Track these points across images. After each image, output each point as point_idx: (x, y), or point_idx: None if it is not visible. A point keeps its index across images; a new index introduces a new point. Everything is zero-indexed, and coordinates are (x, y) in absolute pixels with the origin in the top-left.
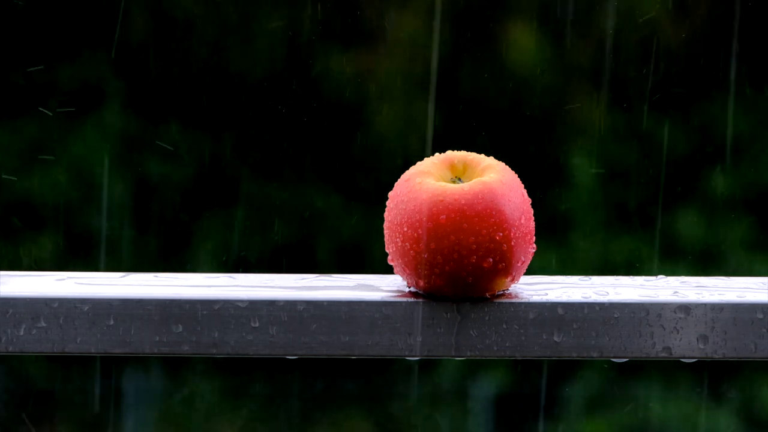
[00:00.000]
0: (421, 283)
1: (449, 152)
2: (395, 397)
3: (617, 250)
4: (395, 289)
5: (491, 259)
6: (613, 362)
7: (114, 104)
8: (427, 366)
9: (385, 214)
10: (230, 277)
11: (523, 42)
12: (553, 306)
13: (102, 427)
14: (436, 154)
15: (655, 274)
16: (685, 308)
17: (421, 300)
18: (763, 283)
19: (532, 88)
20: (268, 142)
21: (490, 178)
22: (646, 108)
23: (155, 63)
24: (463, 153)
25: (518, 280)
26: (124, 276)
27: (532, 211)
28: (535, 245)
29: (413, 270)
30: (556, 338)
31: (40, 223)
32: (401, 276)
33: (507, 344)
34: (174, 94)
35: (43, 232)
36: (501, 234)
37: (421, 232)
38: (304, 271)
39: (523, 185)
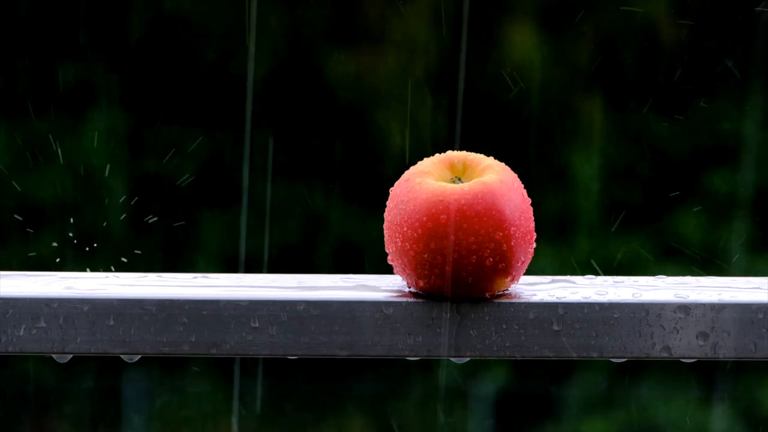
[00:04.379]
0: (421, 283)
1: (449, 152)
2: (395, 397)
3: (617, 250)
4: (395, 289)
5: (491, 259)
6: (613, 362)
7: (114, 104)
8: (427, 366)
9: (385, 214)
10: (230, 277)
11: (523, 42)
12: (553, 306)
13: (102, 427)
14: (436, 154)
15: (655, 274)
16: (685, 308)
17: (421, 300)
18: (763, 283)
19: (533, 89)
20: (269, 142)
21: (489, 178)
22: (646, 108)
23: (155, 62)
24: (463, 153)
25: (518, 280)
26: (123, 276)
27: (532, 211)
28: (535, 245)
29: (413, 270)
30: (556, 338)
31: (40, 223)
32: (401, 276)
33: (507, 344)
34: (174, 93)
35: (43, 232)
36: (501, 234)
37: (421, 232)
38: (304, 271)
39: (523, 185)
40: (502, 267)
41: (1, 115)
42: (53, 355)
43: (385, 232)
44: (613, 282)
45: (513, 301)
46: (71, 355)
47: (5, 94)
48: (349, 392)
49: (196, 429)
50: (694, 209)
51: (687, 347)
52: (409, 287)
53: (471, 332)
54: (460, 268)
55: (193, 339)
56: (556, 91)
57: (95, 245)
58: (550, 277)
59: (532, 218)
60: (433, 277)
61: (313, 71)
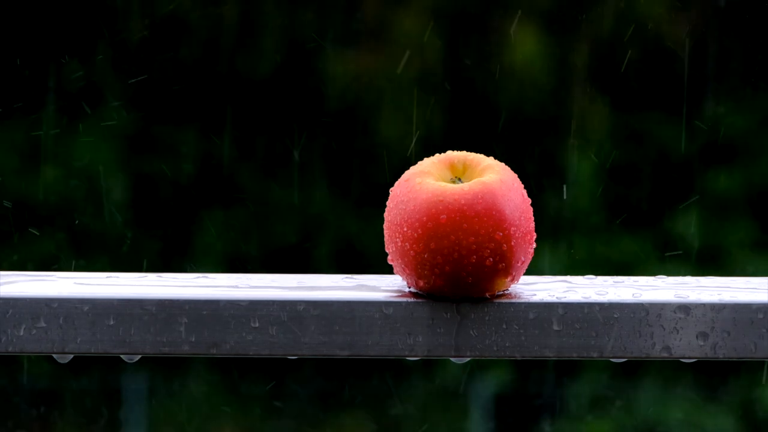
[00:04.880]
0: (421, 283)
1: (449, 152)
2: (395, 397)
3: (617, 250)
4: (395, 289)
5: (491, 259)
6: (613, 362)
7: (114, 104)
8: (427, 366)
9: (385, 214)
10: (230, 277)
11: (524, 42)
12: (553, 306)
13: (102, 427)
14: (436, 154)
15: (655, 274)
16: (685, 308)
17: (421, 300)
18: (762, 283)
19: (533, 89)
20: (269, 142)
21: (489, 178)
22: (646, 108)
23: (156, 63)
24: (463, 153)
25: (518, 280)
26: (123, 276)
27: (532, 211)
28: (535, 245)
29: (413, 270)
30: (556, 338)
31: (40, 223)
32: (401, 276)
33: (507, 344)
34: (174, 93)
35: (43, 232)
36: (501, 234)
37: (421, 232)
38: (304, 271)
39: (523, 185)
40: (502, 267)
41: (1, 114)
42: (54, 355)
43: (385, 232)
44: (613, 282)
45: (513, 301)
46: (72, 355)
47: (6, 94)
48: (349, 392)
49: (196, 429)
50: (694, 209)
51: (687, 347)
52: (409, 287)
53: (471, 332)
54: (460, 268)
55: (193, 339)
56: (557, 91)
57: (95, 245)
58: (550, 277)
59: (532, 218)
60: (433, 277)
61: (313, 71)
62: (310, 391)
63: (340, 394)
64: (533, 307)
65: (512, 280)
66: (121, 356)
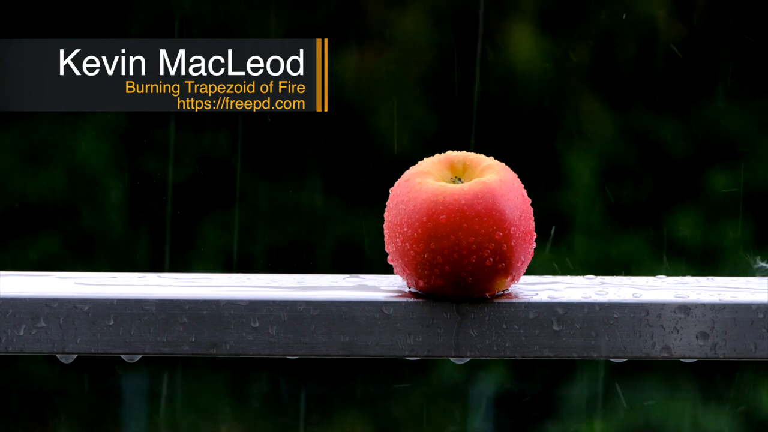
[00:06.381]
0: (421, 283)
1: (449, 152)
2: (395, 397)
3: (617, 250)
4: (395, 289)
5: (491, 259)
6: (613, 362)
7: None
8: (427, 366)
9: (385, 214)
10: (230, 277)
11: (523, 42)
12: (553, 306)
13: (102, 427)
14: (436, 154)
15: (655, 274)
16: (685, 308)
17: (421, 300)
18: (762, 283)
19: (532, 88)
20: (268, 142)
21: (489, 178)
22: (646, 108)
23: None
24: (463, 153)
25: (518, 280)
26: (123, 276)
27: (532, 211)
28: (535, 244)
29: (413, 270)
30: (556, 338)
31: (40, 223)
32: (401, 276)
33: (507, 344)
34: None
35: (43, 232)
36: (501, 234)
37: (421, 232)
38: (303, 271)
39: (523, 185)
40: (502, 267)
41: (1, 113)
42: (58, 356)
43: (385, 232)
44: (614, 282)
45: (513, 301)
46: (75, 355)
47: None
48: (349, 392)
49: (196, 429)
50: (694, 209)
51: (687, 347)
52: (409, 287)
53: (471, 332)
54: (460, 268)
55: (193, 339)
56: (556, 90)
57: (95, 245)
58: (550, 277)
59: (532, 218)
60: (433, 277)
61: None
62: (311, 391)
63: (339, 394)
64: (533, 307)
65: (512, 280)
66: (121, 356)
